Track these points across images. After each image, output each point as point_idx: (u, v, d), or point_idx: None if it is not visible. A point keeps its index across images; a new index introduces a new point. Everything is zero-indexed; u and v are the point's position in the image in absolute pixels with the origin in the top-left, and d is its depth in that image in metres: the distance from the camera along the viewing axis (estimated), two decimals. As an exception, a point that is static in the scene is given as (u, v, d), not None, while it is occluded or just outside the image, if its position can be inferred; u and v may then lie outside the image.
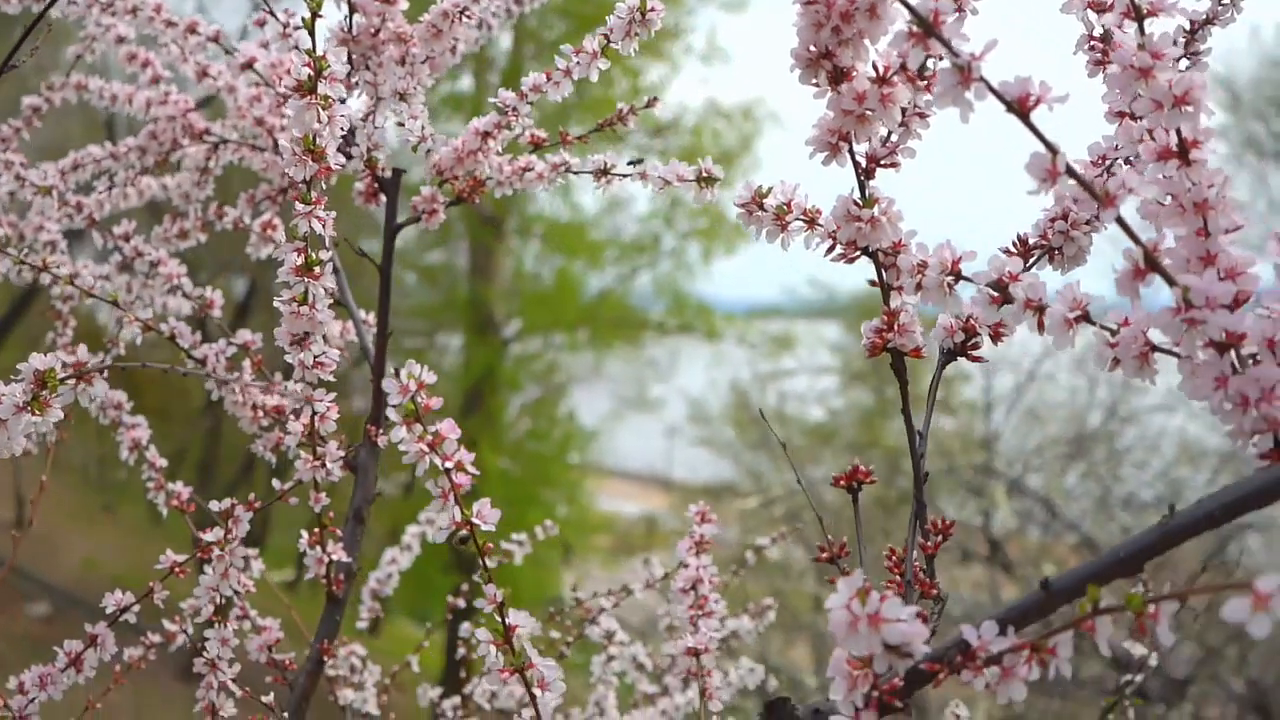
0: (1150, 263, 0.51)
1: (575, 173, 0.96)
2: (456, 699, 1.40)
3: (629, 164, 0.96)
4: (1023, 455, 6.31)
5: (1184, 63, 0.68)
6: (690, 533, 0.97)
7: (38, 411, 0.68)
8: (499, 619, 0.65)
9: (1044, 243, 0.68)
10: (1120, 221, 0.51)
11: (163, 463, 1.10)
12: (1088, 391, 7.39)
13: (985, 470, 5.76)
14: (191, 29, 1.11)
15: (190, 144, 1.20)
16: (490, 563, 0.65)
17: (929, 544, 0.61)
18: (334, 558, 0.97)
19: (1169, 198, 0.54)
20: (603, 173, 0.94)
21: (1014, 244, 0.69)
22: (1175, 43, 0.56)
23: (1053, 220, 0.68)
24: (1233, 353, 0.51)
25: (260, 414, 1.02)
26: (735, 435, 10.36)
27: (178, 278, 1.09)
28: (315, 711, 1.08)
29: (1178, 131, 0.53)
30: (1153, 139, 0.55)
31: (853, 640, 0.50)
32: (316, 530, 0.96)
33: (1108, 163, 0.68)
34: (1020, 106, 0.51)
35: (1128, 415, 6.67)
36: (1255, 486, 0.48)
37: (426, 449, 0.61)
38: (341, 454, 0.91)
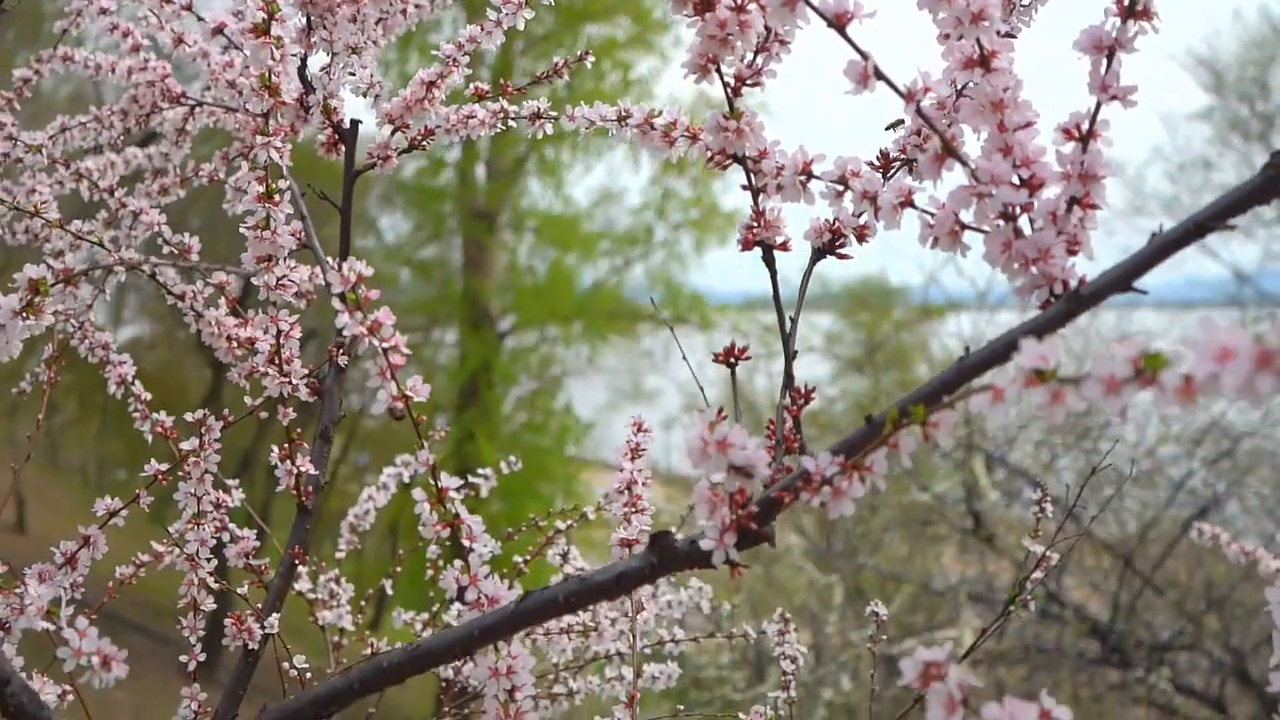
0: (948, 149, 0.62)
1: (513, 118, 1.07)
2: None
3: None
4: (1006, 431, 6.42)
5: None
6: (626, 440, 1.07)
7: (32, 315, 0.79)
8: (432, 481, 0.75)
9: (902, 155, 0.78)
10: (920, 113, 0.61)
11: (147, 396, 1.21)
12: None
13: (966, 445, 5.87)
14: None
15: (168, 107, 1.31)
16: (427, 444, 0.76)
17: (794, 407, 0.72)
18: (303, 470, 1.08)
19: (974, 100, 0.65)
20: (536, 116, 1.04)
21: (877, 157, 0.79)
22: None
23: (909, 136, 0.78)
24: (1019, 223, 0.62)
25: (235, 345, 1.13)
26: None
27: (159, 225, 1.19)
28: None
29: (978, 43, 0.64)
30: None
31: (705, 463, 0.61)
32: (286, 445, 1.07)
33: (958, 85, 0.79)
34: (839, 21, 0.61)
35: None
36: (1030, 327, 0.59)
37: (366, 332, 0.72)
38: (306, 371, 1.02)
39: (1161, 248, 0.57)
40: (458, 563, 0.75)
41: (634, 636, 0.91)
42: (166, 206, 1.44)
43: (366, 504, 1.55)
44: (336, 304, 0.72)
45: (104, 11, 1.31)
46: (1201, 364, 0.40)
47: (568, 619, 1.19)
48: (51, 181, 1.38)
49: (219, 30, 1.17)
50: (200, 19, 1.20)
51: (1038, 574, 1.16)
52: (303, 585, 1.38)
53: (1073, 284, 0.61)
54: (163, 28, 1.24)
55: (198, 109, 1.29)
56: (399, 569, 1.57)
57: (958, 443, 5.92)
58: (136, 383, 1.22)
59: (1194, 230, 0.56)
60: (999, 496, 6.43)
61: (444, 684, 1.45)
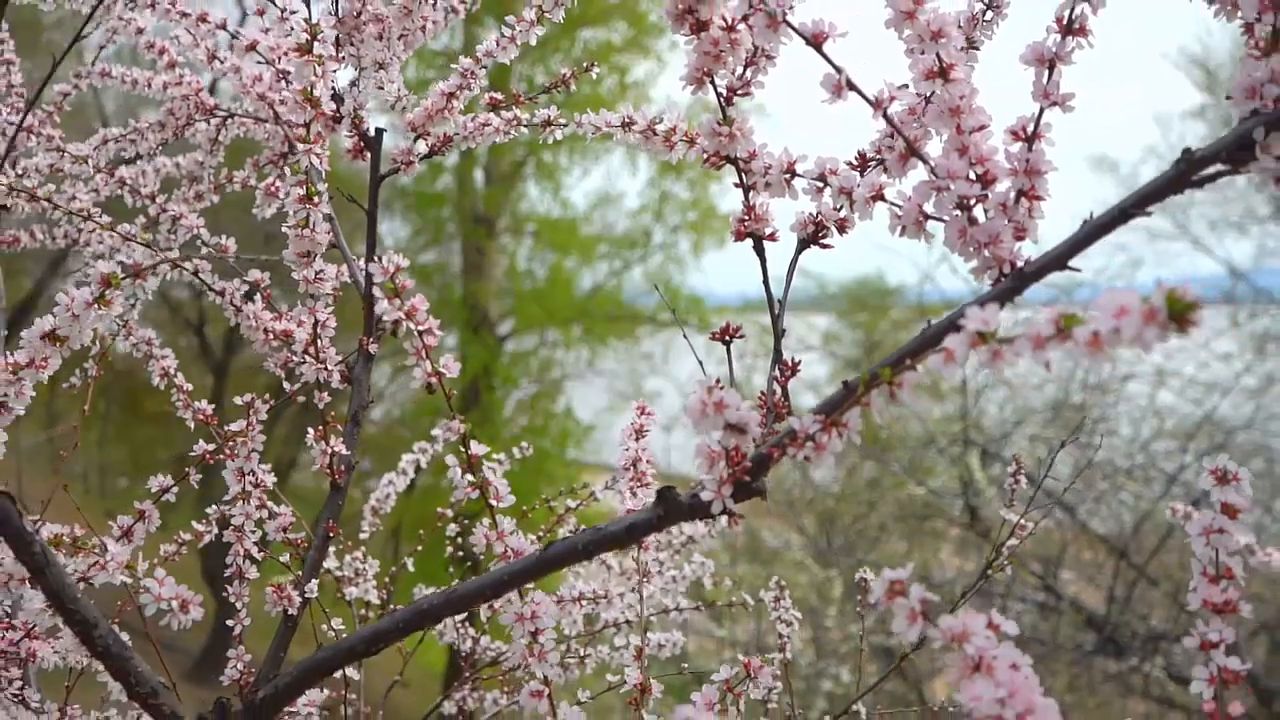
0: (910, 150, 0.72)
1: (525, 125, 1.16)
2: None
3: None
4: (1001, 426, 6.52)
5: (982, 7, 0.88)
6: (631, 422, 1.17)
7: (103, 306, 0.88)
8: (463, 449, 0.85)
9: (877, 156, 0.88)
10: (888, 119, 0.71)
11: (189, 386, 1.30)
12: (1070, 370, 7.62)
13: (963, 441, 5.96)
14: (202, 18, 1.31)
15: (202, 119, 1.40)
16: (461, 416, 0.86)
17: (782, 378, 0.82)
18: (336, 451, 1.17)
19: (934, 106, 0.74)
20: (547, 123, 1.14)
21: (855, 157, 0.89)
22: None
23: (882, 139, 0.88)
24: (974, 212, 0.72)
25: (270, 337, 1.22)
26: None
27: (198, 228, 1.29)
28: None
29: (938, 57, 0.74)
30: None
31: (703, 422, 0.70)
32: (321, 427, 1.16)
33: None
34: (816, 40, 0.71)
35: (1099, 385, 6.87)
36: (978, 300, 0.69)
37: (404, 316, 0.82)
38: (340, 359, 1.12)
39: (1093, 230, 0.67)
40: (486, 520, 0.85)
41: (641, 589, 1.00)
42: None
43: (387, 488, 1.65)
44: (377, 291, 0.82)
45: (140, 31, 1.41)
46: (1104, 321, 0.50)
47: (580, 588, 1.29)
48: (88, 189, 1.48)
49: (252, 47, 1.27)
50: (234, 36, 1.30)
51: (1013, 540, 1.26)
52: (329, 564, 1.47)
53: (1020, 264, 0.70)
54: (197, 45, 1.34)
55: (229, 120, 1.39)
56: (420, 548, 1.66)
57: (953, 439, 6.02)
58: (179, 374, 1.32)
59: (1120, 216, 0.66)
60: (995, 492, 6.53)
61: (462, 656, 1.54)
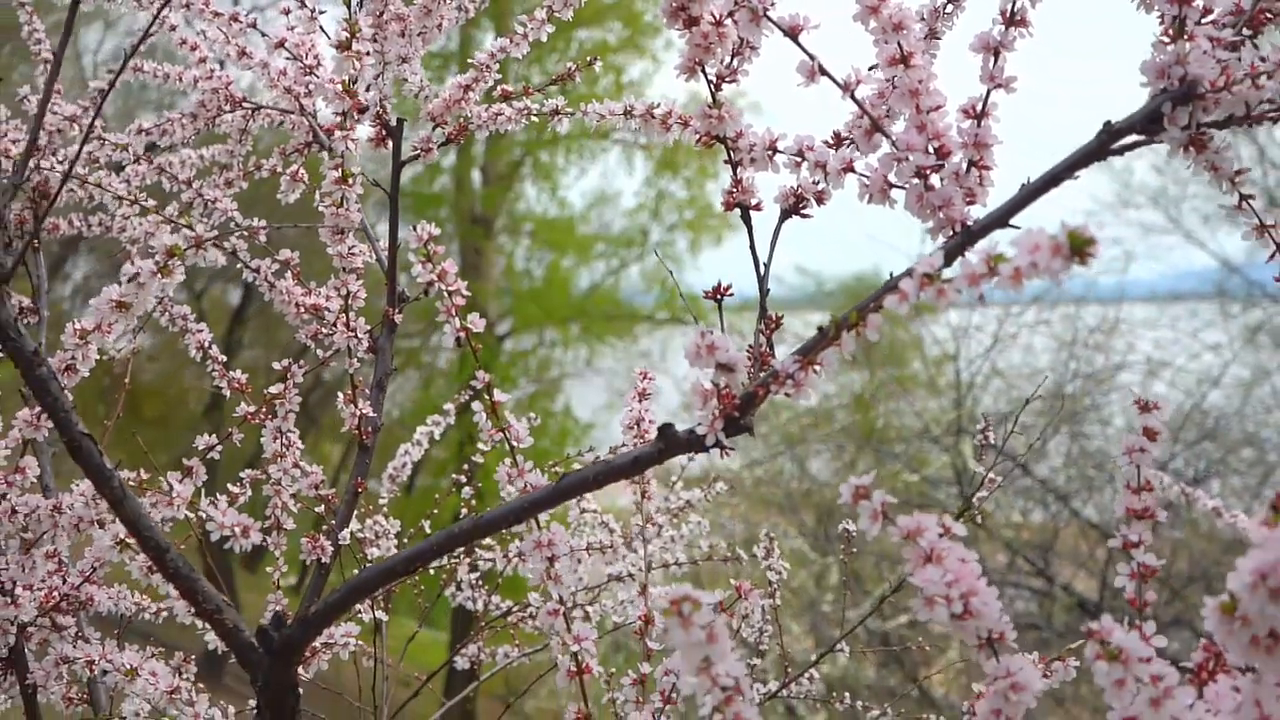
0: (875, 126, 0.83)
1: (537, 115, 1.28)
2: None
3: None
4: (994, 417, 6.64)
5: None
6: (634, 385, 1.28)
7: (165, 275, 1.00)
8: (488, 397, 0.96)
9: (849, 134, 0.99)
10: (855, 100, 0.83)
11: (223, 358, 1.42)
12: (1065, 362, 7.76)
13: (956, 430, 6.09)
14: (234, 18, 1.42)
15: (231, 110, 1.52)
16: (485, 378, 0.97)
17: (767, 330, 0.93)
18: (364, 413, 1.29)
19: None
20: (555, 112, 1.26)
21: (831, 136, 1.00)
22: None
23: (853, 119, 0.99)
24: (931, 180, 0.83)
25: (301, 310, 1.34)
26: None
27: (231, 212, 1.40)
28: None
29: (899, 45, 0.85)
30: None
31: (698, 362, 0.82)
32: (350, 391, 1.28)
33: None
34: (792, 32, 0.82)
35: (1092, 375, 7.00)
36: (930, 253, 0.80)
37: (436, 279, 0.93)
38: (369, 328, 1.23)
39: (1028, 193, 0.78)
40: (507, 460, 0.96)
41: (644, 516, 1.12)
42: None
43: (404, 458, 1.76)
44: (412, 257, 0.93)
45: (174, 28, 1.52)
46: (1021, 257, 0.61)
47: (588, 539, 1.40)
48: (121, 178, 1.59)
49: (281, 44, 1.38)
50: (264, 35, 1.41)
51: (982, 493, 1.37)
52: (352, 526, 1.59)
53: (969, 224, 0.82)
54: (229, 42, 1.45)
55: (257, 111, 1.50)
56: (436, 510, 1.77)
57: (947, 428, 6.14)
58: (213, 347, 1.43)
59: (1051, 180, 0.77)
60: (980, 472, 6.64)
61: (476, 615, 1.66)
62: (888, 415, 8.48)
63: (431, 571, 1.72)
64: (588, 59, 1.30)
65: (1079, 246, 0.59)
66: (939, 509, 6.91)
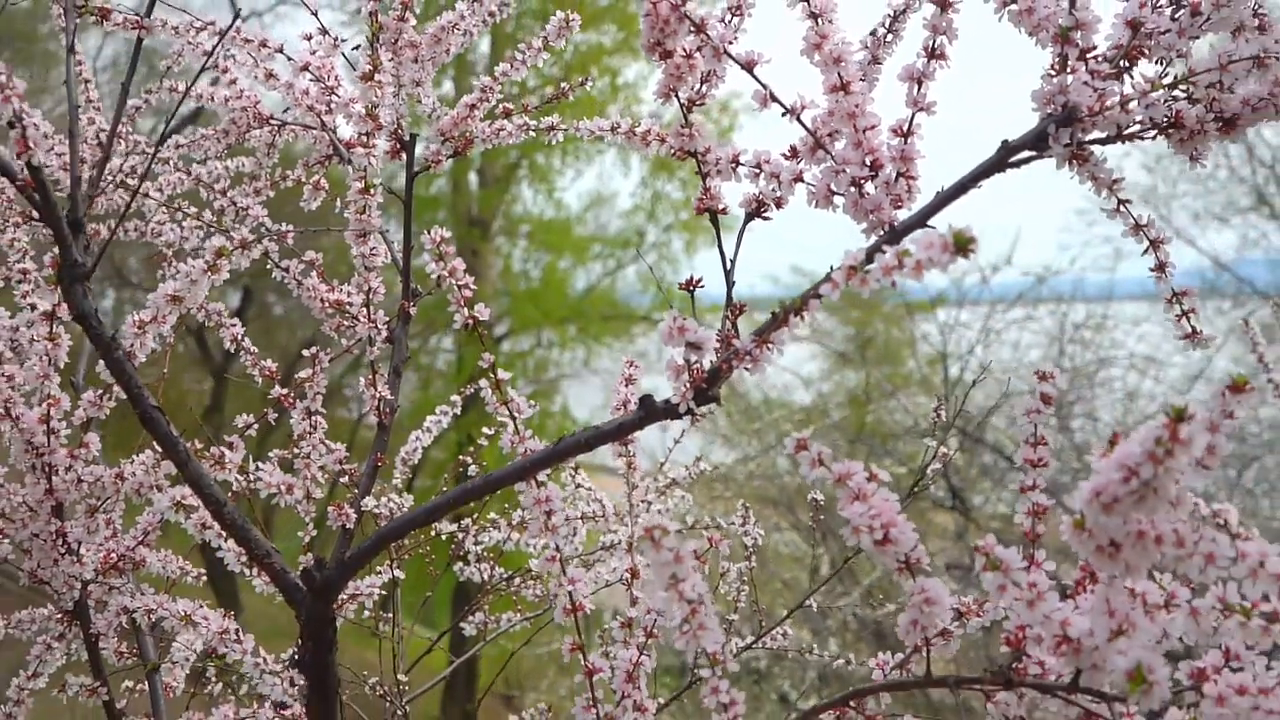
0: (817, 144, 0.99)
1: (535, 131, 1.44)
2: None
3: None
4: (981, 411, 6.81)
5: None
6: (623, 372, 1.45)
7: (214, 272, 1.16)
8: (493, 375, 1.12)
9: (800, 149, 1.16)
10: (800, 122, 0.99)
11: (255, 350, 1.58)
12: (1054, 358, 7.93)
13: (946, 426, 6.25)
14: (263, 44, 1.59)
15: (259, 127, 1.68)
16: (489, 355, 1.13)
17: (733, 314, 1.10)
18: (383, 395, 1.45)
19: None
20: (552, 128, 1.42)
21: (789, 149, 1.16)
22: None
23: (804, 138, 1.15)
24: (865, 188, 1.00)
25: (325, 304, 1.50)
26: (726, 422, 10.81)
27: (262, 217, 1.56)
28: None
29: (839, 75, 1.01)
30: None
31: (671, 340, 0.98)
32: (370, 375, 1.44)
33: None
34: (748, 65, 0.99)
35: (1079, 370, 7.17)
36: (859, 250, 0.96)
37: (447, 274, 1.09)
38: (387, 319, 1.39)
39: (941, 200, 0.94)
40: (510, 427, 1.12)
41: (632, 484, 1.28)
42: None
43: (415, 443, 1.92)
44: (427, 254, 1.09)
45: (207, 54, 1.68)
46: (921, 252, 0.78)
47: (581, 508, 1.57)
48: (153, 188, 1.75)
49: (305, 68, 1.55)
50: (290, 59, 1.57)
51: (936, 465, 1.53)
52: (368, 502, 1.75)
53: (896, 225, 0.98)
54: (257, 66, 1.61)
55: (283, 128, 1.67)
56: (445, 487, 1.93)
57: (934, 422, 6.29)
58: (246, 339, 1.59)
59: (959, 189, 0.94)
60: (976, 472, 6.82)
61: (483, 584, 1.82)
62: (879, 412, 8.66)
63: (443, 537, 1.88)
64: (581, 80, 1.46)
65: (963, 244, 0.75)
66: (928, 500, 7.08)
